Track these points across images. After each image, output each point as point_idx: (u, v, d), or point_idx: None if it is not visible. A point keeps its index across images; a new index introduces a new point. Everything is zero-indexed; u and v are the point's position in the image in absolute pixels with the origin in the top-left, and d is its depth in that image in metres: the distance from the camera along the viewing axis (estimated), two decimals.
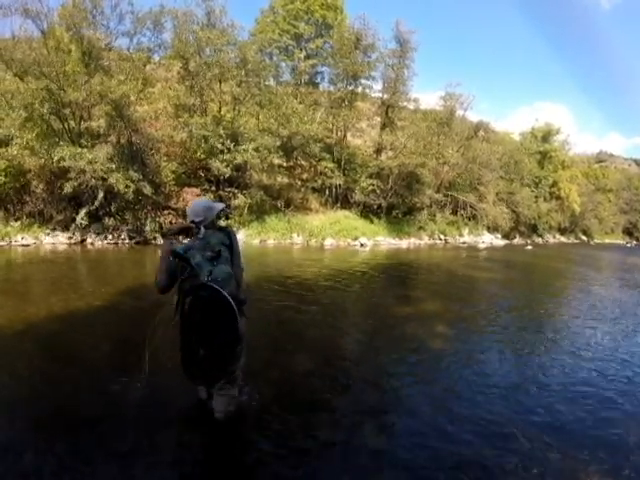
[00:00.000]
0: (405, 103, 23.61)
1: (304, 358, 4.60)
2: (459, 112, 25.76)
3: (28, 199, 16.05)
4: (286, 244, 18.34)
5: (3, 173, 15.64)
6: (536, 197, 34.57)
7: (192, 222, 2.81)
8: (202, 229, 2.77)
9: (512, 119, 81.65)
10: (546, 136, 37.95)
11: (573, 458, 2.95)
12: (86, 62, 16.75)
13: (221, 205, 3.04)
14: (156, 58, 21.04)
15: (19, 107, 15.05)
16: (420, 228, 23.50)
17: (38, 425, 3.20)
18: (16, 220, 15.79)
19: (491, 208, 27.45)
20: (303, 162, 21.78)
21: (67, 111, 16.02)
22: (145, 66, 19.63)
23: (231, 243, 2.82)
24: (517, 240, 32.07)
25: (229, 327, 2.54)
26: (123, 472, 2.67)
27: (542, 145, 37.26)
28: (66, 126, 16.39)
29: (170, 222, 16.48)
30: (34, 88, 14.68)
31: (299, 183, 21.44)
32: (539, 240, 35.21)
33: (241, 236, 18.00)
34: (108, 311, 6.44)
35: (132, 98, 16.54)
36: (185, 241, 2.89)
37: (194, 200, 2.98)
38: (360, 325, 6.49)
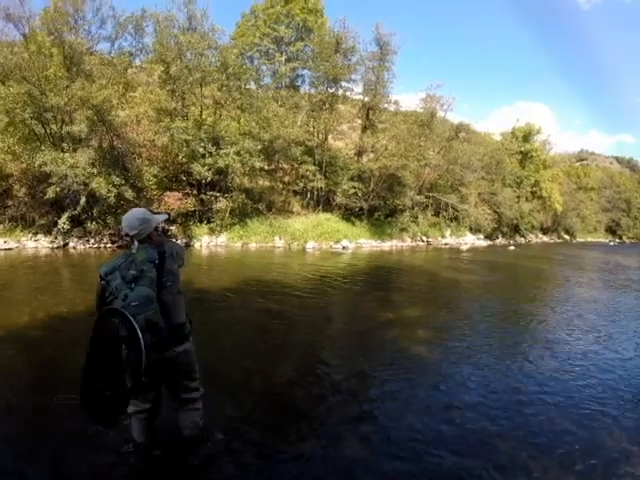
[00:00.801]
0: (386, 105, 23.85)
1: (285, 366, 4.62)
2: (440, 113, 26.08)
3: (10, 203, 16.07)
4: (268, 247, 18.42)
5: None
6: (518, 197, 35.04)
7: (126, 235, 2.56)
8: (135, 243, 2.51)
9: (494, 119, 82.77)
10: (527, 136, 38.50)
11: (539, 462, 3.00)
12: (68, 66, 16.78)
13: (161, 217, 2.78)
14: (137, 62, 21.19)
15: (0, 112, 15.06)
16: (402, 230, 23.75)
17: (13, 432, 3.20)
18: None
19: (473, 209, 27.81)
20: (285, 165, 21.95)
21: (49, 115, 15.98)
22: (126, 70, 19.75)
23: (162, 261, 2.48)
24: (500, 241, 32.43)
25: (130, 358, 2.28)
26: None
27: (523, 145, 37.81)
28: (48, 130, 16.37)
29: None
30: (15, 93, 14.68)
31: (281, 186, 21.60)
32: (522, 240, 35.69)
33: (223, 239, 18.22)
34: (90, 316, 6.47)
35: (114, 102, 16.55)
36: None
37: (130, 210, 2.68)
38: (341, 331, 6.52)
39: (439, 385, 4.30)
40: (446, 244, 25.89)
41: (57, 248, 15.38)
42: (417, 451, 3.08)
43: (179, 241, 17.00)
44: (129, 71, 19.85)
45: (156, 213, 2.79)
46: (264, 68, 25.75)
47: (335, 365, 4.80)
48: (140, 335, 2.21)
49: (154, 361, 2.38)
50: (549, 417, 3.70)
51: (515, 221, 34.56)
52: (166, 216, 2.94)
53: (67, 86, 15.65)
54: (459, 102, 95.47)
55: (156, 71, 19.18)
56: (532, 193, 37.66)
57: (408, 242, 24.04)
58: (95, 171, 15.45)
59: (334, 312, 7.94)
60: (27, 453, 2.94)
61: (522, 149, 37.43)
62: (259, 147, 18.39)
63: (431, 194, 25.76)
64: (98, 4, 19.36)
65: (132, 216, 2.57)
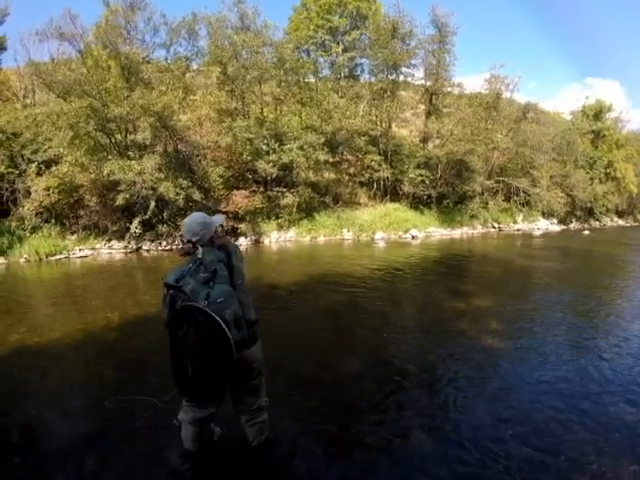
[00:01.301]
0: (449, 89, 22.72)
1: (354, 359, 4.57)
2: (506, 94, 24.43)
3: (83, 213, 16.58)
4: (336, 240, 18.04)
5: (56, 190, 16.21)
6: (591, 179, 32.54)
7: (189, 242, 2.57)
8: (200, 249, 2.51)
9: (562, 97, 77.52)
10: (598, 114, 35.75)
11: (612, 460, 2.83)
12: (126, 77, 17.12)
13: (220, 218, 2.82)
14: (194, 66, 21.43)
15: (65, 126, 15.51)
16: (472, 217, 22.48)
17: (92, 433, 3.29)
18: (72, 233, 16.36)
19: (545, 193, 26.00)
20: (349, 157, 21.37)
21: (112, 126, 16.41)
22: (184, 75, 19.95)
23: (229, 259, 2.52)
24: (573, 225, 30.29)
25: (221, 356, 2.27)
26: None
27: (594, 124, 35.14)
28: (113, 140, 16.79)
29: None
30: (77, 107, 15.08)
31: (346, 178, 21.03)
32: (596, 224, 33.13)
33: (291, 234, 18.01)
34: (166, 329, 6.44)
35: (175, 107, 16.69)
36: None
37: (189, 216, 2.72)
38: (412, 322, 6.39)
39: (509, 378, 4.14)
40: (518, 230, 24.35)
41: (130, 252, 15.71)
42: (486, 445, 2.98)
43: (248, 239, 17.16)
44: (187, 75, 20.03)
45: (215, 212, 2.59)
46: (321, 60, 25.43)
47: (405, 358, 4.71)
48: (228, 332, 2.22)
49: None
50: (621, 416, 3.43)
51: (589, 204, 32.09)
52: (223, 217, 3.00)
53: (127, 96, 15.98)
54: (525, 81, 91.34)
55: (213, 73, 19.26)
56: (606, 174, 34.86)
57: (479, 229, 22.74)
58: (162, 176, 15.67)
59: (404, 303, 7.77)
60: (101, 451, 3.05)
61: (594, 128, 34.77)
62: (322, 140, 17.99)
63: (501, 178, 24.23)
64: (149, 13, 19.78)
65: (192, 221, 2.63)
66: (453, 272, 11.05)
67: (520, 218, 25.56)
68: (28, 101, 21.27)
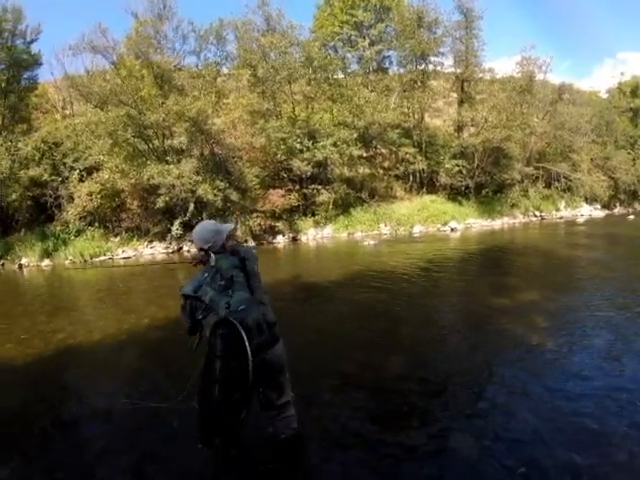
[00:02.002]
0: (480, 75, 22.16)
1: (396, 359, 4.49)
2: (539, 76, 23.61)
3: (125, 216, 17.20)
4: (374, 235, 17.83)
5: (99, 195, 16.82)
6: (633, 160, 31.02)
7: (201, 250, 2.58)
8: (212, 256, 2.50)
9: (596, 76, 74.00)
10: (635, 90, 34.17)
11: None
12: (159, 85, 17.62)
13: (230, 226, 2.79)
14: (225, 70, 21.71)
15: (104, 135, 16.05)
16: (513, 206, 21.78)
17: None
18: (115, 236, 16.98)
19: (587, 177, 25.00)
20: (383, 150, 21.14)
21: (149, 132, 16.92)
22: (215, 79, 20.30)
23: (244, 264, 2.50)
24: (618, 210, 28.94)
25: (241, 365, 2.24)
26: None
27: (632, 101, 33.61)
28: (151, 146, 17.27)
29: (259, 224, 16.74)
30: (115, 116, 15.58)
31: (381, 172, 20.84)
32: None
33: (328, 231, 18.00)
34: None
35: (208, 112, 16.95)
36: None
37: (199, 224, 2.76)
38: (454, 320, 6.20)
39: (556, 379, 3.93)
40: (561, 217, 23.42)
41: (172, 253, 16.07)
42: (530, 450, 2.84)
43: (286, 237, 17.33)
44: (218, 80, 20.37)
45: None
46: (349, 55, 25.27)
47: (447, 358, 4.58)
48: (247, 343, 2.21)
49: (255, 364, 2.29)
50: None
51: (633, 187, 30.58)
52: (233, 225, 3.03)
53: (162, 103, 16.40)
54: (558, 61, 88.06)
55: (244, 76, 19.56)
56: None
57: (520, 218, 22.03)
58: (200, 178, 16.03)
59: (445, 300, 7.47)
60: (141, 449, 3.15)
61: (632, 105, 33.25)
62: (355, 135, 17.98)
63: (540, 164, 23.41)
64: (176, 22, 20.24)
65: (203, 229, 2.65)
66: (495, 265, 10.73)
67: (562, 205, 24.65)
68: (67, 112, 22.13)
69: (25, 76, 18.58)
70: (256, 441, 2.94)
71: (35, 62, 18.54)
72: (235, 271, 2.43)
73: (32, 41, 18.10)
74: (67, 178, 17.61)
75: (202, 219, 16.24)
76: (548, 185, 24.23)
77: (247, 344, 2.21)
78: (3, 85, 17.18)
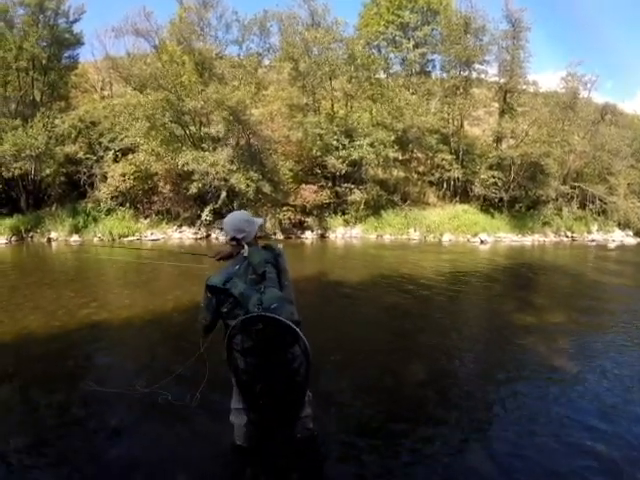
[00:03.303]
0: (524, 86, 21.61)
1: (417, 366, 4.48)
2: (583, 94, 23.05)
3: (156, 199, 17.42)
4: (403, 239, 17.61)
5: (132, 177, 16.97)
6: None
7: (233, 239, 2.46)
8: (245, 247, 2.39)
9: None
10: None
11: None
12: (200, 72, 17.66)
13: (260, 220, 2.69)
14: (266, 62, 21.62)
15: (142, 117, 16.17)
16: (545, 224, 21.12)
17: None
18: (145, 218, 17.20)
19: (622, 201, 24.19)
20: (419, 155, 20.81)
21: (187, 118, 17.03)
22: (256, 70, 20.19)
23: (277, 261, 2.43)
24: None
25: (294, 358, 2.21)
26: None
27: None
28: (187, 132, 17.37)
29: (289, 218, 16.66)
30: (154, 99, 15.72)
31: (416, 177, 20.50)
32: None
33: (357, 231, 17.86)
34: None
35: (247, 102, 16.89)
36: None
37: (231, 214, 2.63)
38: (478, 334, 6.11)
39: (579, 405, 3.76)
40: (592, 240, 22.66)
41: (200, 238, 16.31)
42: (542, 471, 2.76)
43: (314, 232, 17.38)
44: (259, 71, 20.26)
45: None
46: (392, 56, 24.99)
47: (468, 370, 4.57)
48: (299, 331, 2.15)
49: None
50: None
51: None
52: (262, 220, 2.89)
53: (202, 90, 16.50)
54: (602, 80, 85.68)
55: (285, 69, 19.45)
56: None
57: (551, 237, 21.40)
58: (234, 168, 16.10)
59: (471, 312, 7.50)
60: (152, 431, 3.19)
61: None
62: (392, 137, 17.71)
63: (577, 184, 22.76)
64: (221, 11, 20.19)
65: (236, 218, 2.53)
66: (522, 282, 10.46)
67: (595, 228, 23.92)
68: (106, 93, 22.30)
69: (66, 55, 18.75)
70: (272, 440, 2.88)
71: (77, 41, 18.72)
72: (268, 267, 2.34)
73: (75, 21, 18.25)
74: (102, 157, 17.81)
75: (233, 208, 16.22)
76: (582, 206, 23.50)
77: (301, 333, 2.14)
78: (44, 62, 17.33)
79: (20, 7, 16.87)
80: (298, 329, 2.13)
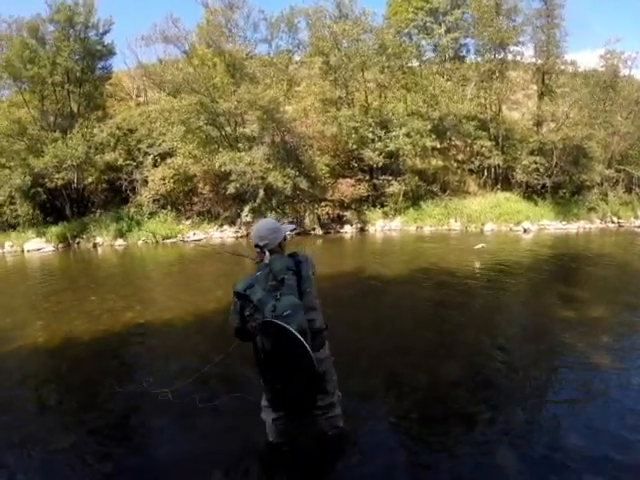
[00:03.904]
0: (562, 67, 20.78)
1: (451, 364, 4.40)
2: (623, 72, 21.98)
3: (196, 200, 17.65)
4: (443, 230, 17.26)
5: (171, 180, 17.24)
6: None
7: (256, 246, 2.54)
8: (267, 254, 2.47)
9: None
10: None
11: None
12: (231, 73, 17.79)
13: (289, 227, 2.81)
14: (296, 58, 21.60)
15: (177, 122, 16.43)
16: (590, 210, 20.25)
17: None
18: (187, 219, 17.47)
19: None
20: (457, 142, 20.35)
21: (222, 119, 17.20)
22: (287, 67, 20.21)
23: (299, 268, 2.45)
24: None
25: (301, 365, 2.21)
26: None
27: None
28: (223, 133, 17.54)
29: (327, 213, 16.61)
30: (188, 104, 15.95)
31: (455, 165, 20.04)
32: None
33: (397, 223, 17.62)
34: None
35: (280, 100, 16.90)
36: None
37: (259, 221, 2.76)
38: (517, 330, 5.89)
39: (617, 405, 3.52)
40: (639, 226, 21.81)
41: (241, 237, 16.37)
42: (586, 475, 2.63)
43: (353, 226, 17.28)
44: (290, 68, 20.31)
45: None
46: (424, 43, 24.41)
47: (505, 369, 4.36)
48: (303, 340, 2.16)
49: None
50: None
51: None
52: (293, 226, 3.08)
53: (234, 91, 16.62)
54: None
55: (316, 64, 19.35)
56: None
57: (597, 223, 20.54)
58: (270, 166, 16.17)
59: (510, 307, 7.16)
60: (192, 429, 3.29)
61: None
62: (429, 126, 17.34)
63: (622, 167, 21.76)
64: (247, 11, 20.33)
65: (262, 227, 2.59)
66: (565, 274, 9.98)
67: None
68: (141, 100, 22.73)
69: (99, 66, 19.12)
70: (304, 437, 2.89)
71: (109, 52, 19.08)
72: (288, 273, 2.36)
73: (105, 32, 18.61)
74: (141, 163, 18.17)
75: (272, 206, 16.30)
76: (628, 190, 22.49)
77: (304, 341, 2.15)
78: (78, 74, 17.75)
79: (50, 24, 17.38)
80: (304, 340, 2.14)
